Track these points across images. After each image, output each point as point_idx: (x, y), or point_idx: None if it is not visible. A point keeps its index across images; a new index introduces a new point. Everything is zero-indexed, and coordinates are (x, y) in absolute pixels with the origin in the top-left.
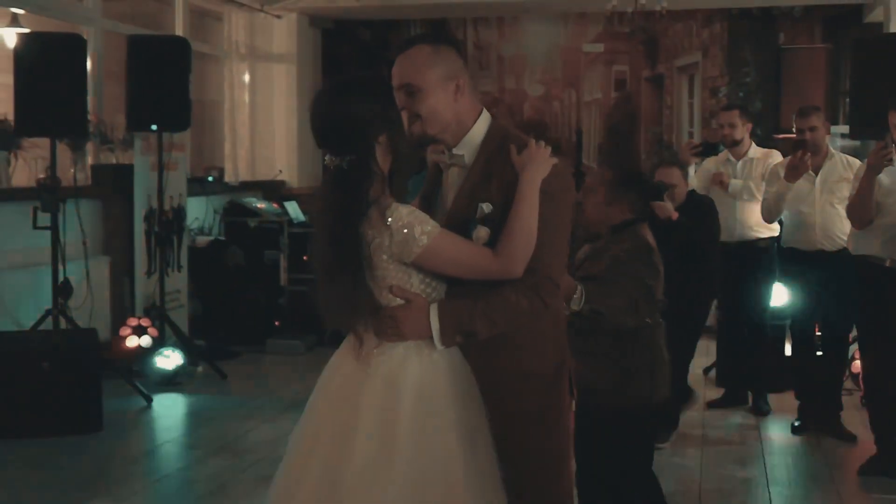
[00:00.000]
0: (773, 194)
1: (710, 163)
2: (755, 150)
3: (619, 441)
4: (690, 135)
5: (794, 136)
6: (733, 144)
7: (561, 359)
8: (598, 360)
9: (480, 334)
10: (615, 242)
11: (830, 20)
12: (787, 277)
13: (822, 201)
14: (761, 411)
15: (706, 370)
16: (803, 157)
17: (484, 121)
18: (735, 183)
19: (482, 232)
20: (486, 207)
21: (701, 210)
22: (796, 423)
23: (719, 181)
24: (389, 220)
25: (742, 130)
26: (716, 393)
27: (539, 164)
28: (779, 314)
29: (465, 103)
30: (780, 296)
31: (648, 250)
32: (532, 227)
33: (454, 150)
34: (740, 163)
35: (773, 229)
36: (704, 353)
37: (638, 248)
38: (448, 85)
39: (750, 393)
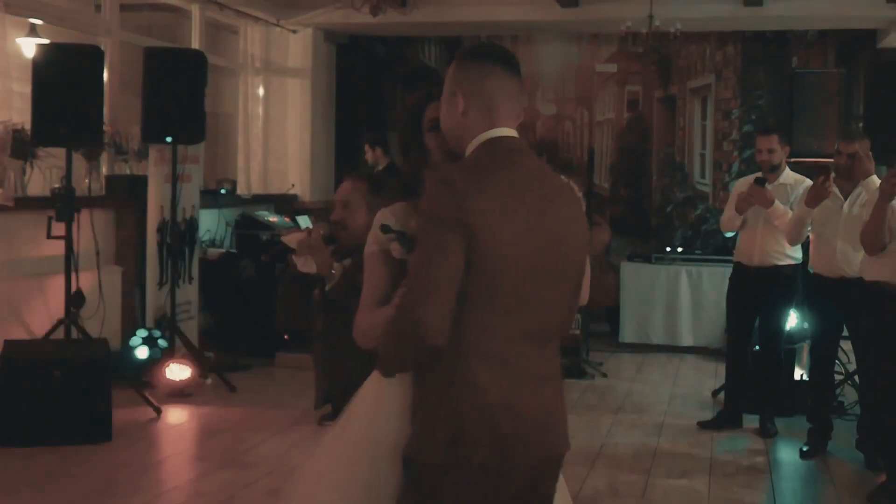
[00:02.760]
0: (795, 217)
1: (743, 184)
2: (787, 175)
3: None
4: (702, 156)
5: (833, 159)
6: (772, 170)
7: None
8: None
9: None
10: None
11: (844, 44)
12: (810, 302)
13: (846, 227)
14: (769, 434)
15: (715, 392)
16: (825, 182)
17: (479, 140)
18: (779, 203)
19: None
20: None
21: None
22: (805, 448)
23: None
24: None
25: (780, 155)
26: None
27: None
28: (790, 338)
29: (471, 118)
30: (791, 319)
31: None
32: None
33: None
34: (771, 187)
35: (796, 256)
36: (713, 376)
37: None
38: (452, 99)
39: (747, 415)
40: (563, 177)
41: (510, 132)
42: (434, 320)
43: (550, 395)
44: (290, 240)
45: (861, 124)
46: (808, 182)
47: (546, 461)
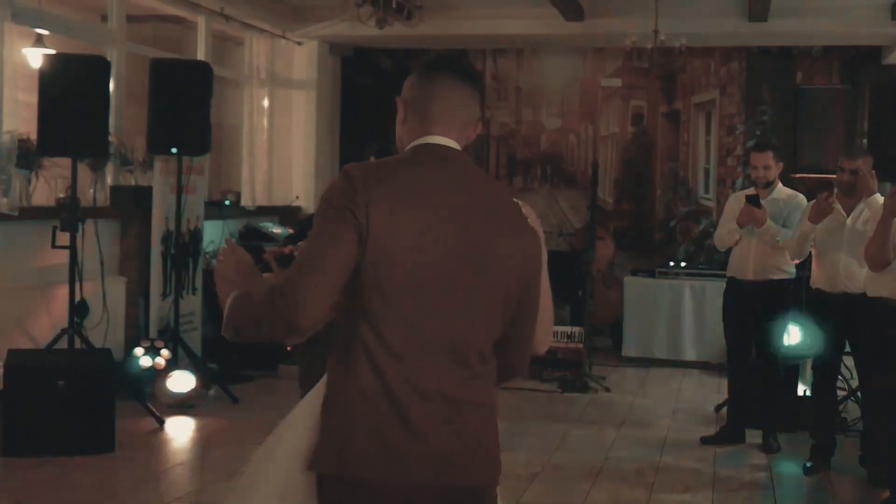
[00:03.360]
0: (797, 233)
1: (737, 200)
2: (780, 191)
3: None
4: (706, 171)
5: (836, 175)
6: (766, 185)
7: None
8: None
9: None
10: None
11: (849, 61)
12: (812, 318)
13: (849, 244)
14: (771, 449)
15: (717, 407)
16: (828, 198)
17: (409, 147)
18: (771, 223)
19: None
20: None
21: None
22: (808, 465)
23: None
24: None
25: (775, 171)
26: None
27: None
28: (792, 353)
29: (408, 126)
30: (794, 335)
31: None
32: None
33: None
34: (764, 202)
35: (790, 271)
36: (716, 391)
37: None
38: (399, 108)
39: (750, 431)
40: (515, 199)
41: (441, 140)
42: (309, 304)
43: (469, 422)
44: (269, 256)
45: (865, 140)
46: (801, 197)
47: (458, 491)
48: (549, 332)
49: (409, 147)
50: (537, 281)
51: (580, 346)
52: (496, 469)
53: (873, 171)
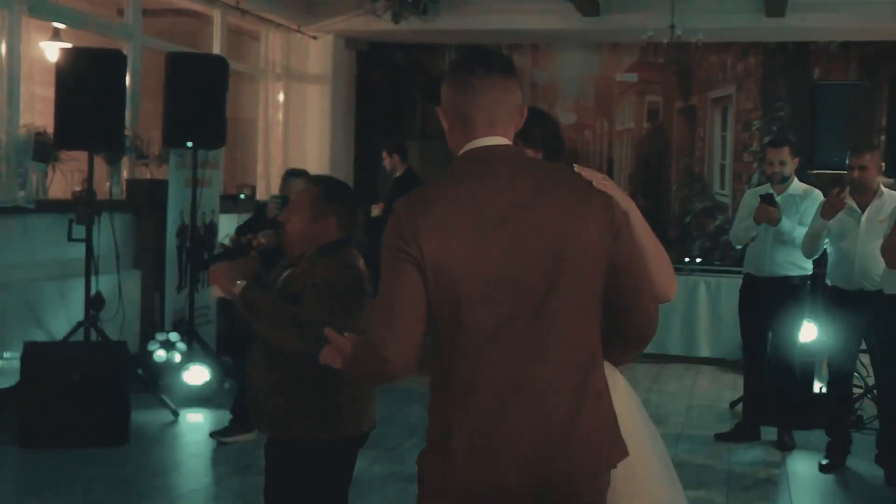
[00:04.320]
0: (811, 230)
1: (752, 196)
2: (796, 186)
3: (315, 476)
4: (722, 167)
5: (845, 172)
6: (783, 181)
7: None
8: (298, 389)
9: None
10: (319, 266)
11: (866, 57)
12: (828, 315)
13: (865, 240)
14: (786, 447)
15: (732, 404)
16: (839, 194)
17: (458, 156)
18: (785, 222)
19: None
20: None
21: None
22: (824, 462)
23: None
24: None
25: (791, 167)
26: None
27: None
28: (809, 351)
29: (454, 135)
30: (810, 332)
31: (353, 276)
32: None
33: None
34: (780, 198)
35: (806, 267)
36: (731, 387)
37: (340, 275)
38: (442, 119)
39: (765, 428)
40: (582, 174)
41: (488, 141)
42: (393, 352)
43: (585, 411)
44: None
45: (883, 137)
46: (817, 192)
47: (548, 478)
48: (668, 278)
49: (458, 157)
50: (626, 241)
51: None
52: (608, 456)
53: (882, 165)
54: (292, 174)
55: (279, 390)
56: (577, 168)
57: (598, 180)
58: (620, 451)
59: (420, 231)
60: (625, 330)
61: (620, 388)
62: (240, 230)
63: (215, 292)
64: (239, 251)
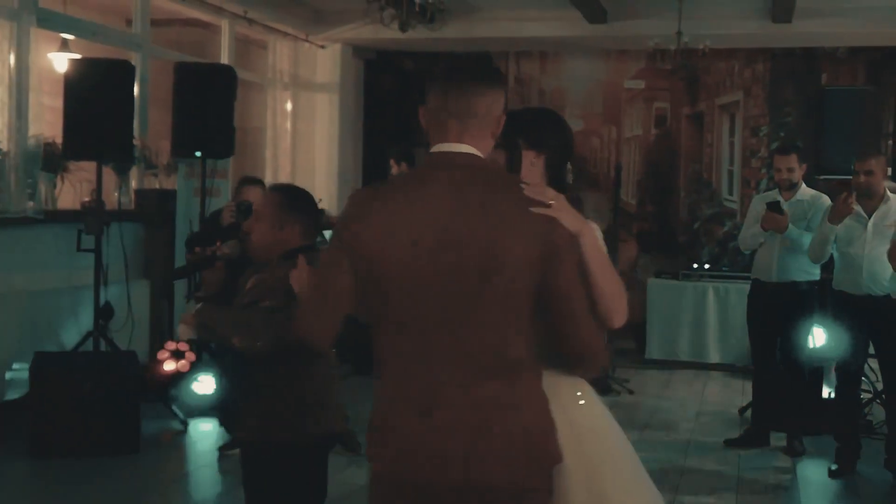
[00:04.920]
0: (818, 236)
1: (760, 202)
2: (804, 192)
3: (294, 477)
4: (730, 173)
5: (851, 177)
6: (790, 188)
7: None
8: (274, 392)
9: None
10: (282, 270)
11: (874, 62)
12: (836, 320)
13: (872, 245)
14: (796, 452)
15: (742, 410)
16: (847, 199)
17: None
18: (793, 229)
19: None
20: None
21: None
22: (833, 467)
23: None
24: None
25: (799, 173)
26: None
27: None
28: (817, 356)
29: (430, 137)
30: (819, 338)
31: None
32: None
33: None
34: (788, 204)
35: (814, 273)
36: (740, 393)
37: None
38: (420, 119)
39: (775, 434)
40: (531, 193)
41: (453, 147)
42: (315, 326)
43: (490, 424)
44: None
45: (891, 142)
46: (825, 198)
47: (486, 490)
48: (615, 307)
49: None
50: (564, 266)
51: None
52: (530, 471)
53: (887, 170)
54: (247, 181)
55: (248, 395)
56: (526, 188)
57: (548, 201)
58: (541, 466)
59: (361, 224)
60: (562, 351)
61: (580, 400)
62: (193, 239)
63: (185, 333)
64: (204, 263)
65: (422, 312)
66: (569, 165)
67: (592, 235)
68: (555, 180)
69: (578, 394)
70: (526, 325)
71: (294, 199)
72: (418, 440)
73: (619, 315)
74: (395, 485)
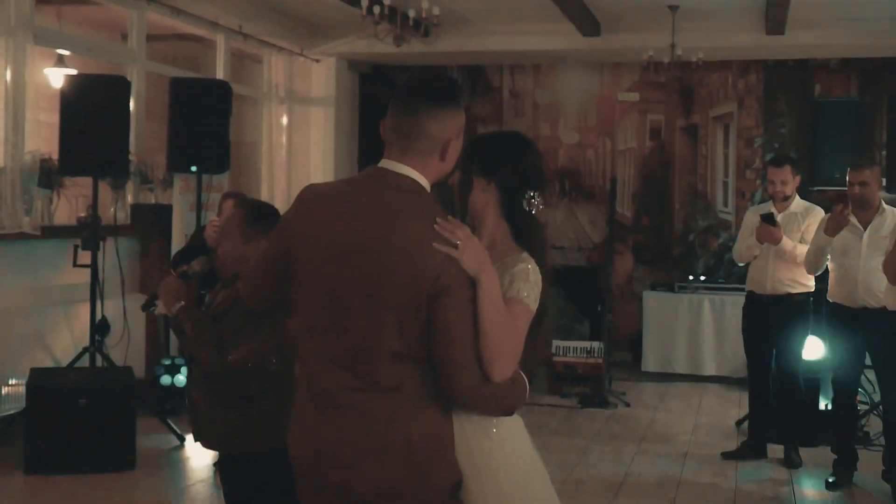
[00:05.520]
0: (814, 247)
1: (754, 214)
2: (798, 204)
3: (265, 490)
4: (725, 184)
5: (846, 189)
6: (784, 200)
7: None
8: (236, 404)
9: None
10: None
11: (867, 73)
12: (831, 332)
13: (867, 257)
14: (793, 464)
15: (738, 422)
16: (842, 211)
17: None
18: (787, 241)
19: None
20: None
21: None
22: (831, 479)
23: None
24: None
25: (792, 185)
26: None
27: None
28: (813, 368)
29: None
30: (815, 349)
31: None
32: None
33: None
34: (781, 216)
35: (808, 284)
36: (737, 405)
37: None
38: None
39: (772, 445)
40: (443, 228)
41: (388, 164)
42: (249, 291)
43: (356, 427)
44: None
45: (884, 152)
46: (818, 209)
47: (353, 493)
48: (499, 360)
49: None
50: (451, 306)
51: (600, 361)
52: (408, 484)
53: (882, 180)
54: (230, 196)
55: (219, 406)
56: (440, 223)
57: (455, 240)
58: (421, 482)
59: (292, 223)
60: (442, 388)
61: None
62: (180, 256)
63: (160, 308)
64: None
65: (319, 315)
66: (531, 194)
67: (493, 282)
68: (508, 208)
69: (493, 430)
70: (414, 348)
71: (257, 213)
72: (313, 438)
73: (500, 369)
74: (303, 479)
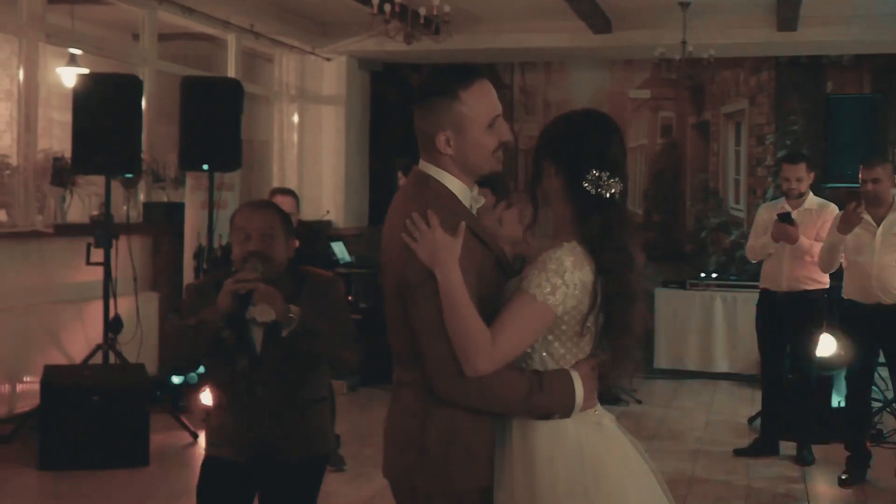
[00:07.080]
0: (827, 245)
1: (767, 211)
2: (811, 201)
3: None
4: (736, 182)
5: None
6: (798, 197)
7: None
8: (311, 410)
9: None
10: (306, 283)
11: (879, 69)
12: (845, 329)
13: (881, 253)
14: (805, 461)
15: (751, 419)
16: (856, 209)
17: None
18: (803, 239)
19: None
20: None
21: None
22: (843, 477)
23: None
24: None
25: (807, 182)
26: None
27: None
28: (826, 365)
29: None
30: (828, 346)
31: (334, 276)
32: None
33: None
34: (796, 213)
35: (823, 281)
36: (749, 402)
37: (331, 281)
38: None
39: (784, 443)
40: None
41: (417, 165)
42: None
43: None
44: (240, 287)
45: None
46: (832, 206)
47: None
48: (461, 355)
49: None
50: (417, 301)
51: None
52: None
53: (894, 177)
54: (278, 191)
55: (295, 412)
56: (410, 217)
57: (414, 231)
58: (424, 472)
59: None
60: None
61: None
62: (212, 272)
63: (266, 314)
64: (243, 300)
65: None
66: (596, 174)
67: (448, 275)
68: (569, 190)
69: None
70: (416, 345)
71: (286, 214)
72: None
73: (467, 364)
74: None
